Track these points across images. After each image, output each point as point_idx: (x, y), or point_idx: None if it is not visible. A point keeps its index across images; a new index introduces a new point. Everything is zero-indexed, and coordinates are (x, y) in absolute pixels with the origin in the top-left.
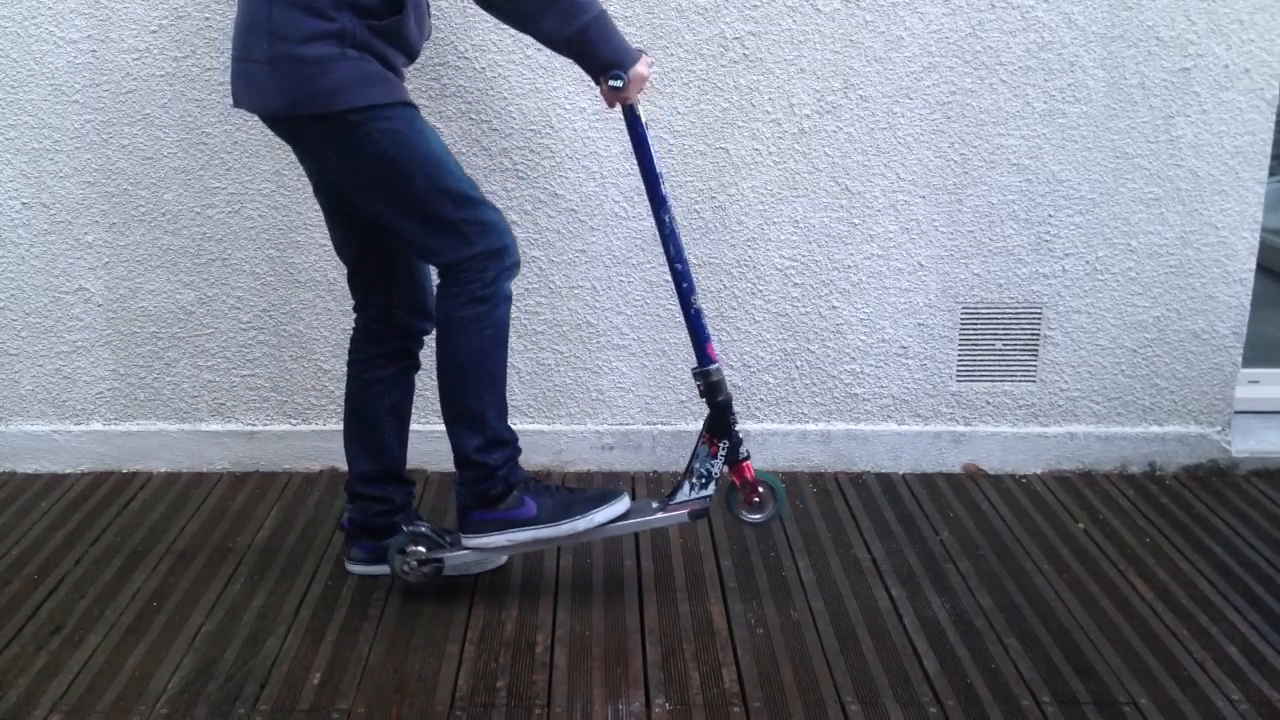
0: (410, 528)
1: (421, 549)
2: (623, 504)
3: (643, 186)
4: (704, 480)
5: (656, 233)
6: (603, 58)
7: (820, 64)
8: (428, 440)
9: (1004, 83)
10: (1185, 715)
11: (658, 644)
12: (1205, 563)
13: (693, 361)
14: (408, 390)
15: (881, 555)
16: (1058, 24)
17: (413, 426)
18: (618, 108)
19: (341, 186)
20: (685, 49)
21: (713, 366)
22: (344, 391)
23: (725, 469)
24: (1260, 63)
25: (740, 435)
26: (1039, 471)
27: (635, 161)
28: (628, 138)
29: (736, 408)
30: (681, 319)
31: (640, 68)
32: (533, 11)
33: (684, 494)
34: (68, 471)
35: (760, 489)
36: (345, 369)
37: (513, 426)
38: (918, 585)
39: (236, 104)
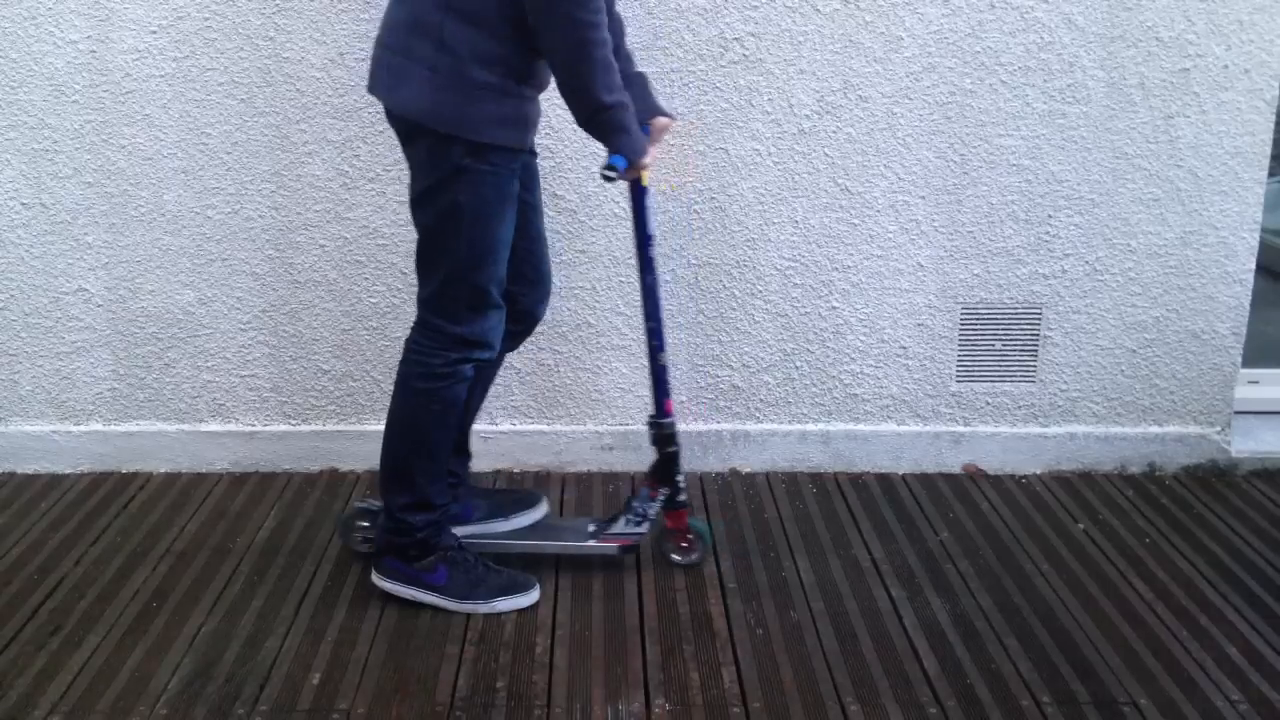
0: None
1: (366, 523)
2: (530, 597)
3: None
4: (639, 519)
5: (639, 290)
6: (608, 146)
7: (820, 64)
8: None
9: (1004, 83)
10: (1185, 715)
11: (658, 644)
12: (1205, 563)
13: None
14: (495, 369)
15: (881, 556)
16: (1058, 24)
17: None
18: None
19: (412, 188)
20: (685, 49)
21: (667, 420)
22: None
23: (661, 512)
24: (1260, 63)
25: (682, 485)
26: (1039, 471)
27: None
28: None
29: (736, 408)
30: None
31: (646, 159)
32: (565, 91)
33: (619, 527)
34: (68, 471)
35: (690, 535)
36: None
37: (441, 493)
38: (918, 586)
39: (373, 90)
